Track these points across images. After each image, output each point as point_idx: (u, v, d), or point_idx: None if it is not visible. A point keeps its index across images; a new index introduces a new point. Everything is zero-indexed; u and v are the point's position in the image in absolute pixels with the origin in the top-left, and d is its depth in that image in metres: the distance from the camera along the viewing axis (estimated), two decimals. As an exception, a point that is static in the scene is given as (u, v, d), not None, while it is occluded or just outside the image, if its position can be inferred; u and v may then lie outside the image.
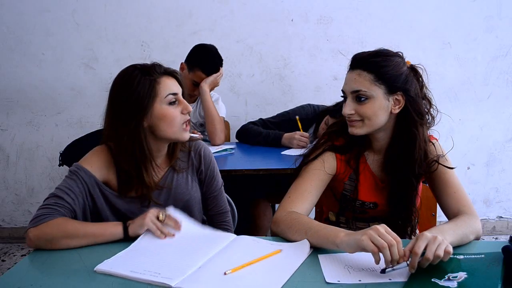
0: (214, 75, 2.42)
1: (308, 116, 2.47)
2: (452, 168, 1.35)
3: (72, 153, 2.08)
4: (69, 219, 1.20)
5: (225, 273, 0.99)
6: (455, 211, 1.26)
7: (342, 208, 1.44)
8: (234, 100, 2.96)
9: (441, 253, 0.95)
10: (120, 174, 1.30)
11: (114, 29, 2.91)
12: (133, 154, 1.26)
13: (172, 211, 1.24)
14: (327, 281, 0.99)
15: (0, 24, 2.90)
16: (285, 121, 2.46)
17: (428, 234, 0.99)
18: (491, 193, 3.14)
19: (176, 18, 2.90)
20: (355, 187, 1.37)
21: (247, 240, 1.18)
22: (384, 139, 1.35)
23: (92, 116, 3.00)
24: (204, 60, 2.40)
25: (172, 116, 1.25)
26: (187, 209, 1.38)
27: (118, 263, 1.06)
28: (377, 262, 0.97)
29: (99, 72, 2.96)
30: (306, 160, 1.36)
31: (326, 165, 1.33)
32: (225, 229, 1.42)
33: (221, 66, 2.46)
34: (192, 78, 2.39)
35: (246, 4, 2.89)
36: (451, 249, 0.97)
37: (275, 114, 2.56)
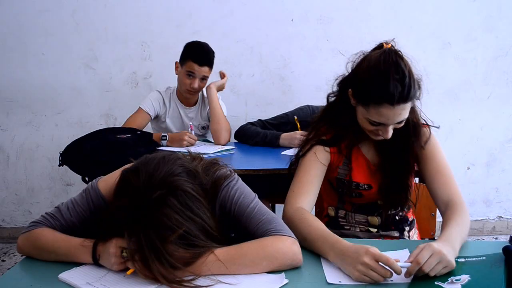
0: (223, 80, 2.49)
1: (307, 117, 2.47)
2: (437, 127, 1.41)
3: (72, 153, 2.08)
4: (51, 231, 1.12)
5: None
6: (445, 200, 1.28)
7: (339, 195, 1.45)
8: (234, 100, 2.96)
9: (436, 271, 0.95)
10: None
11: (114, 29, 2.90)
12: None
13: None
14: (328, 281, 0.99)
15: (0, 24, 2.90)
16: (284, 123, 2.46)
17: (435, 246, 0.97)
18: (491, 193, 3.14)
19: (176, 18, 2.90)
20: (349, 171, 1.39)
21: None
22: None
23: (92, 116, 3.00)
24: (194, 50, 2.42)
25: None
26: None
27: (81, 273, 1.03)
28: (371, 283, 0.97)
29: (99, 72, 2.96)
30: (298, 156, 1.40)
31: (319, 156, 1.36)
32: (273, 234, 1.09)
33: (212, 58, 2.44)
34: (185, 70, 2.40)
35: (246, 4, 2.89)
36: (446, 271, 0.97)
37: (274, 115, 2.56)
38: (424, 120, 1.40)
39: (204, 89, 2.52)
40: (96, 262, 1.05)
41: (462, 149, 3.02)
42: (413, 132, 1.35)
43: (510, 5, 2.89)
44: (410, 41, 2.85)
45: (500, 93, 2.99)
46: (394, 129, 1.30)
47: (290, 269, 1.04)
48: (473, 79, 2.97)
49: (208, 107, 2.51)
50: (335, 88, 1.43)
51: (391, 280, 0.98)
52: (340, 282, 0.99)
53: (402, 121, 1.27)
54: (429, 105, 3.28)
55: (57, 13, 2.88)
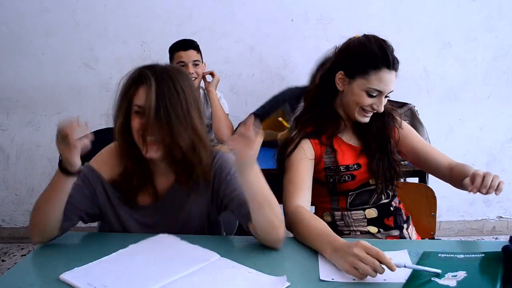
0: (214, 78, 2.52)
1: (296, 94, 2.53)
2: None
3: (72, 153, 2.08)
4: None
5: None
6: (446, 166, 1.45)
7: (331, 190, 1.45)
8: (234, 100, 2.96)
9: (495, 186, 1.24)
10: (124, 181, 1.27)
11: (114, 29, 2.91)
12: (124, 153, 1.25)
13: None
14: (321, 278, 1.00)
15: (0, 24, 2.90)
16: (274, 107, 2.55)
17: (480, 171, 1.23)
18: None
19: (176, 18, 2.90)
20: (334, 157, 1.43)
21: (226, 264, 1.08)
22: None
23: (92, 116, 3.00)
24: (175, 44, 2.52)
25: (132, 124, 1.21)
26: (186, 227, 1.30)
27: (83, 273, 1.04)
28: (362, 279, 0.99)
29: (99, 72, 2.96)
30: (287, 153, 1.42)
31: (307, 152, 1.40)
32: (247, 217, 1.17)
33: (195, 43, 2.51)
34: (176, 62, 2.46)
35: (246, 4, 2.89)
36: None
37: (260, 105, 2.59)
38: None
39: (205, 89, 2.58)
40: (62, 170, 1.13)
41: (462, 149, 3.02)
42: (388, 113, 1.46)
43: (510, 5, 2.89)
44: (410, 41, 2.85)
45: (500, 93, 2.99)
46: (371, 115, 1.42)
47: (288, 267, 1.04)
48: (473, 79, 2.97)
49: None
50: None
51: (384, 280, 0.98)
52: (332, 279, 0.99)
53: (391, 92, 1.38)
54: (429, 105, 3.29)
55: (57, 13, 2.88)
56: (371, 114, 1.41)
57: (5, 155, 3.08)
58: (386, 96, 1.38)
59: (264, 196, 1.11)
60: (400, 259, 0.99)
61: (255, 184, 1.11)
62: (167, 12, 2.89)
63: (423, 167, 1.54)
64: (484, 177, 1.21)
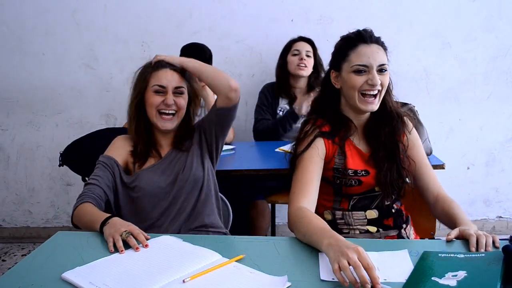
0: None
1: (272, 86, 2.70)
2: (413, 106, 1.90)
3: (72, 153, 2.08)
4: (88, 205, 1.38)
5: (183, 281, 0.99)
6: (434, 193, 1.43)
7: (336, 191, 1.45)
8: (234, 100, 2.96)
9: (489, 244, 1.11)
10: (133, 152, 1.56)
11: (114, 29, 2.91)
12: (137, 129, 1.54)
13: (167, 238, 1.25)
14: (321, 278, 1.00)
15: (0, 24, 2.90)
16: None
17: (473, 231, 1.18)
18: (491, 193, 3.14)
19: (176, 18, 2.90)
20: (344, 160, 1.42)
21: (228, 264, 1.08)
22: (366, 116, 1.46)
23: (92, 116, 3.01)
24: (185, 46, 2.53)
25: (151, 101, 1.51)
26: (191, 188, 1.54)
27: (85, 272, 1.04)
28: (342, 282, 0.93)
29: (99, 72, 2.96)
30: (300, 151, 1.40)
31: (320, 151, 1.40)
32: None
33: (208, 51, 2.52)
34: None
35: (246, 4, 2.89)
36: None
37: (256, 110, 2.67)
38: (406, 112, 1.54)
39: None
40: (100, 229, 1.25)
41: (462, 149, 3.02)
42: (397, 116, 1.45)
43: (510, 5, 2.89)
44: (410, 41, 2.85)
45: (500, 93, 2.99)
46: (380, 118, 1.43)
47: (288, 267, 1.04)
48: (473, 79, 2.97)
49: None
50: None
51: (385, 279, 0.97)
52: (333, 279, 0.99)
53: (384, 66, 1.36)
54: (429, 105, 3.29)
55: (57, 13, 2.88)
56: (373, 96, 1.37)
57: (6, 155, 3.08)
58: (381, 71, 1.36)
59: (208, 70, 1.60)
60: (401, 259, 0.99)
61: (196, 68, 1.57)
62: (167, 12, 2.89)
63: (413, 182, 1.50)
64: (477, 240, 1.13)
